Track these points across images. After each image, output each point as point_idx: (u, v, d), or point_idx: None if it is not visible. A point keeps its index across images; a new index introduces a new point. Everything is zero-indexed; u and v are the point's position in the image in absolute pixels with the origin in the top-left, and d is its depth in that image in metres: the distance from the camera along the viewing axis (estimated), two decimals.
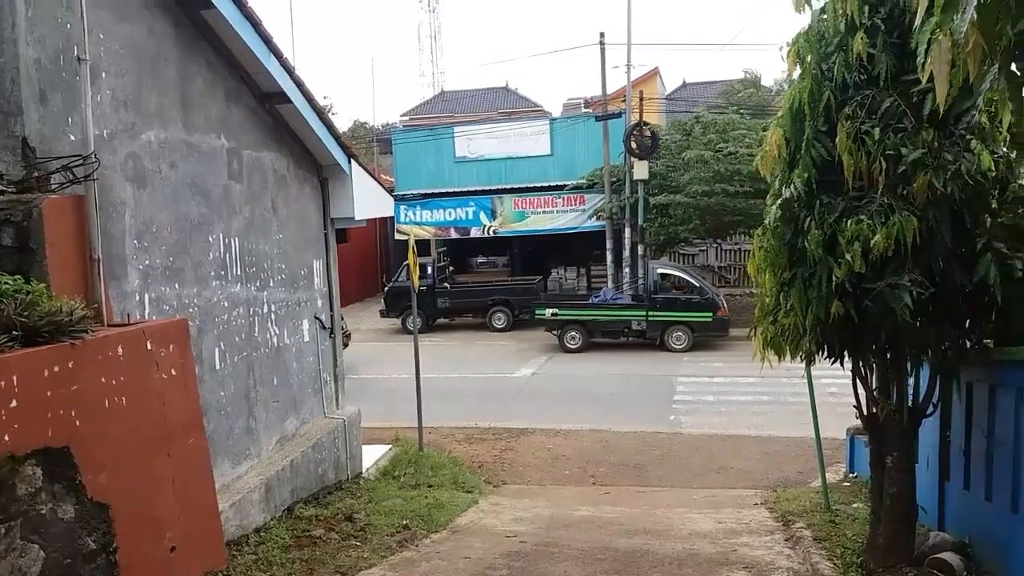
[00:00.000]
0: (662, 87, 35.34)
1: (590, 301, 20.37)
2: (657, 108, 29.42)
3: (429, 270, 22.79)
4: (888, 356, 5.18)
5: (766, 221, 5.14)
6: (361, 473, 9.80)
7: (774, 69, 53.13)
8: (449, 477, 10.03)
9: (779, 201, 5.04)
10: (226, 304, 7.22)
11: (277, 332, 8.18)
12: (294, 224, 8.61)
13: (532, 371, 17.64)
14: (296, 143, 8.64)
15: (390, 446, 11.10)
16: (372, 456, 10.49)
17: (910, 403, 5.23)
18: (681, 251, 26.99)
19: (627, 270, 23.27)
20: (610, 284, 23.86)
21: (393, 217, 24.92)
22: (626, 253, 23.33)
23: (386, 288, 23.14)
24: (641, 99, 23.54)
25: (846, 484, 8.78)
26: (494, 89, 41.65)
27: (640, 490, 9.76)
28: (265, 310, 7.95)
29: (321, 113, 8.48)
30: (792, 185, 4.92)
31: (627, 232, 23.19)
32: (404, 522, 7.59)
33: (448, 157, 26.14)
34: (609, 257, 23.91)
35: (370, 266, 30.16)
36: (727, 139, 21.27)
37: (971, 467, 5.31)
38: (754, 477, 10.19)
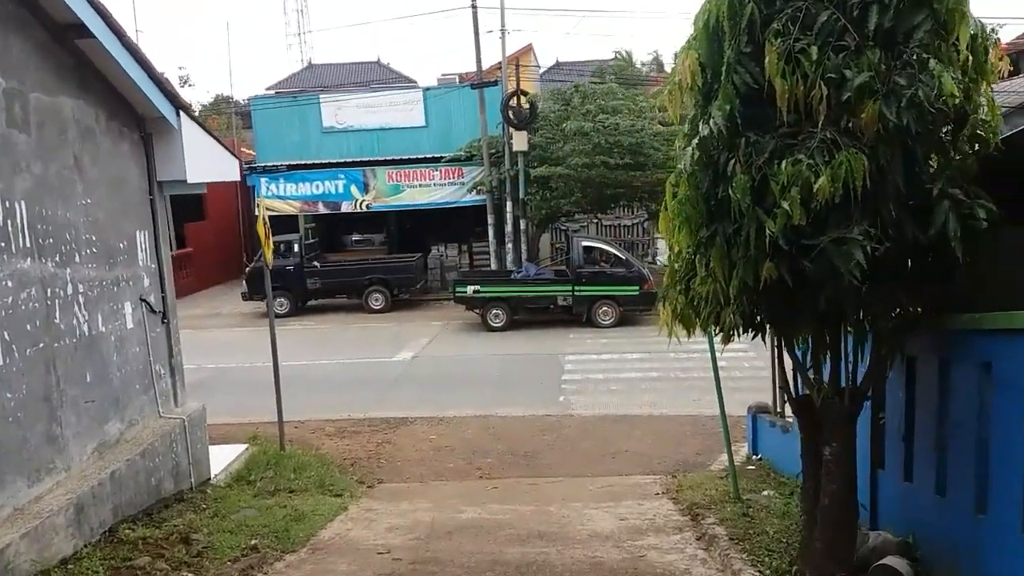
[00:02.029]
0: (536, 64, 34.56)
1: (513, 277, 19.35)
2: (532, 78, 28.59)
3: (296, 248, 21.11)
4: (824, 328, 4.38)
5: (680, 166, 4.21)
6: (209, 480, 8.41)
7: (642, 51, 53.71)
8: (315, 479, 8.77)
9: (695, 141, 4.12)
10: (10, 284, 5.70)
11: (87, 317, 6.67)
12: (108, 187, 7.08)
13: (412, 354, 16.45)
14: (108, 89, 7.09)
15: (247, 446, 9.70)
16: (224, 459, 9.08)
17: (849, 383, 4.45)
18: (561, 227, 26.41)
19: (510, 246, 22.36)
20: (494, 260, 22.94)
21: (253, 191, 23.00)
22: (508, 228, 22.42)
23: (248, 269, 21.24)
24: (518, 67, 22.62)
25: (751, 468, 8.16)
26: (366, 64, 39.82)
27: (531, 482, 8.83)
28: (69, 291, 6.44)
29: (136, 52, 6.96)
30: (711, 120, 4.00)
31: (508, 206, 22.27)
32: (252, 542, 6.33)
33: (315, 127, 24.27)
34: (491, 232, 22.93)
35: (232, 245, 27.94)
36: (607, 110, 20.69)
37: (915, 455, 4.63)
38: (651, 461, 9.47)
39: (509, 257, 22.41)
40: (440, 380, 14.23)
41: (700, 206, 4.20)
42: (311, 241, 22.86)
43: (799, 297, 4.11)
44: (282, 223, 23.34)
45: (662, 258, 25.69)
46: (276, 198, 23.42)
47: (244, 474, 8.77)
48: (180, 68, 77.00)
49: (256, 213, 9.87)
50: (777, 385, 8.08)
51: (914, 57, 3.72)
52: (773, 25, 3.89)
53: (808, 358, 4.64)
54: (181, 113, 7.78)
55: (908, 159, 3.83)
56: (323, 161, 23.79)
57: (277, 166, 23.77)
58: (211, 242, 27.02)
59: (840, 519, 4.41)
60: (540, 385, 13.43)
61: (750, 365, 13.01)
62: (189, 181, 7.98)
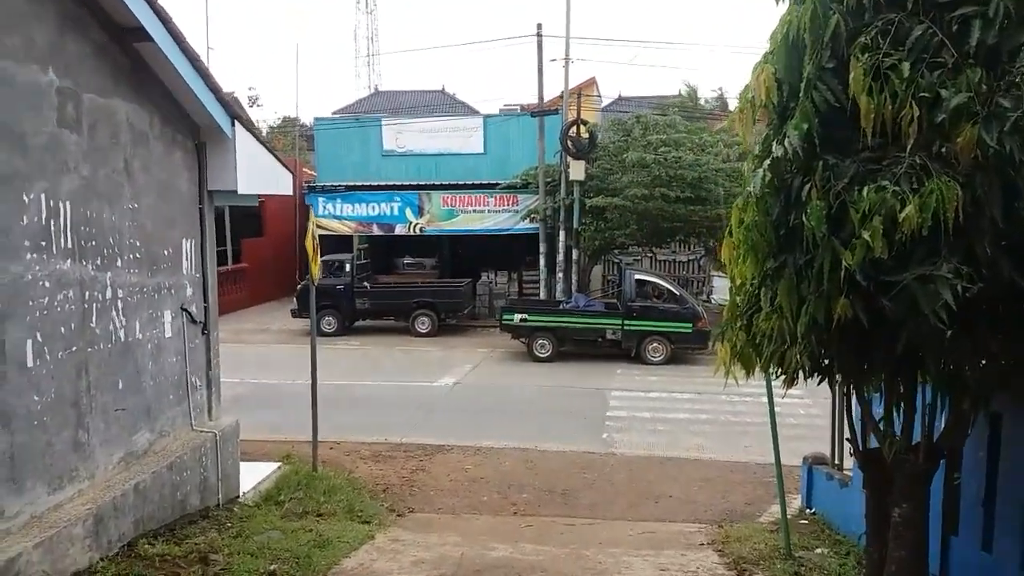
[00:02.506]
0: (599, 98, 34.45)
1: (562, 307, 19.02)
2: (594, 109, 28.38)
3: (348, 268, 21.13)
4: (899, 375, 3.94)
5: (749, 189, 3.85)
6: (238, 497, 8.20)
7: (706, 89, 53.12)
8: (344, 504, 8.50)
9: (767, 162, 3.76)
10: (47, 284, 5.60)
11: (125, 323, 6.55)
12: (157, 193, 7.00)
13: (455, 380, 16.18)
14: (163, 95, 7.05)
15: (279, 464, 9.49)
16: (255, 476, 8.88)
17: (925, 438, 3.99)
18: (615, 259, 26.00)
19: (560, 275, 22.05)
20: (543, 290, 22.63)
21: (311, 209, 23.18)
22: (560, 258, 22.12)
23: (299, 286, 21.33)
24: (579, 96, 22.46)
25: (804, 522, 7.61)
26: (431, 92, 40.30)
27: (568, 522, 8.40)
28: (108, 295, 6.33)
29: (195, 59, 6.89)
30: (787, 140, 3.65)
31: (561, 236, 21.99)
32: (272, 567, 6.06)
33: (375, 150, 24.47)
34: (542, 261, 22.65)
35: (288, 263, 28.14)
36: (668, 142, 20.32)
37: (996, 524, 4.13)
38: (696, 508, 8.95)
39: (559, 287, 22.08)
40: (480, 408, 13.90)
41: (769, 234, 3.83)
42: (363, 261, 22.90)
43: (874, 339, 3.70)
44: (337, 243, 23.51)
45: (717, 296, 25.10)
46: (332, 218, 23.61)
47: (273, 494, 8.55)
48: (250, 88, 79.39)
49: (314, 232, 9.75)
50: (839, 436, 7.56)
51: (1019, 78, 3.32)
52: (860, 39, 3.54)
53: (878, 408, 4.19)
54: (236, 123, 7.71)
55: (1008, 191, 3.41)
56: (381, 183, 23.91)
57: (336, 186, 23.99)
58: (267, 259, 27.33)
59: None
60: (583, 420, 12.99)
61: (805, 412, 12.41)
62: (240, 192, 7.87)
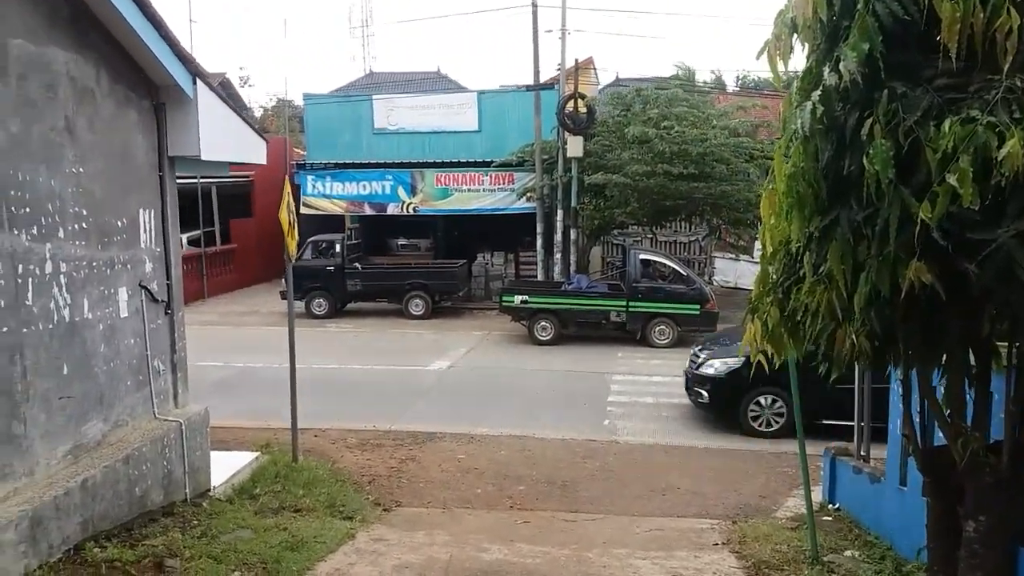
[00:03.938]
0: (596, 79, 33.52)
1: (564, 289, 18.32)
2: (591, 85, 27.50)
3: (338, 248, 20.39)
4: (976, 359, 3.23)
5: (795, 127, 3.12)
6: (208, 491, 7.53)
7: (704, 70, 51.99)
8: (325, 498, 7.82)
9: (816, 94, 3.03)
10: None
11: (71, 301, 5.83)
12: (107, 157, 6.26)
13: (449, 364, 15.48)
14: (113, 48, 6.29)
15: (257, 454, 8.81)
16: (230, 468, 8.19)
17: (1012, 434, 3.28)
18: (614, 240, 25.23)
19: (558, 256, 21.30)
20: (541, 271, 21.89)
21: (300, 189, 22.41)
22: (558, 237, 21.36)
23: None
24: (577, 68, 21.59)
25: (827, 519, 6.93)
26: (426, 73, 39.36)
27: (569, 518, 7.71)
28: (47, 269, 5.59)
29: (144, 5, 6.12)
30: (842, 65, 2.92)
31: (559, 215, 21.22)
32: (236, 574, 5.37)
33: (366, 128, 23.60)
34: (539, 242, 21.88)
35: (279, 244, 27.36)
36: (670, 116, 19.47)
37: None
38: (707, 501, 8.28)
39: (557, 268, 21.33)
40: (475, 393, 13.21)
41: (818, 184, 3.11)
42: (355, 242, 22.13)
43: (949, 313, 2.99)
44: (328, 223, 22.74)
45: (720, 278, 24.40)
46: (322, 197, 22.87)
47: (249, 487, 7.88)
48: (241, 68, 78.60)
49: (290, 204, 8.97)
50: (866, 425, 6.88)
51: None
52: None
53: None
54: (198, 81, 6.95)
55: None
56: (372, 161, 23.10)
57: (326, 164, 23.20)
58: (256, 240, 26.56)
59: None
60: (584, 406, 12.30)
61: None
62: (203, 158, 7.14)
